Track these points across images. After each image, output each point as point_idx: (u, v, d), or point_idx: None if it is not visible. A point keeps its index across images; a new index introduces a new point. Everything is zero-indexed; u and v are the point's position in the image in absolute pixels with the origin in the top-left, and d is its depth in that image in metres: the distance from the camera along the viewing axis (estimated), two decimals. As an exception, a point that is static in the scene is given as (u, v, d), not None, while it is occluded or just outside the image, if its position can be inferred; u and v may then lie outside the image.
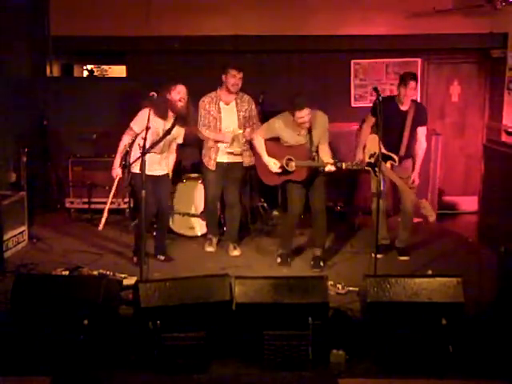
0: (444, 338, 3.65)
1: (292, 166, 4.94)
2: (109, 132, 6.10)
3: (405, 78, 5.13)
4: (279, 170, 4.98)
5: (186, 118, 5.00)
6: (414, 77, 5.16)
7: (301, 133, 4.94)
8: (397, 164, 5.17)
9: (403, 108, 5.18)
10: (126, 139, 5.00)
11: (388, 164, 5.14)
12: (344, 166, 4.76)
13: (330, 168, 4.79)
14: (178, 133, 5.09)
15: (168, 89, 4.92)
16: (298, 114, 4.77)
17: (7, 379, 3.50)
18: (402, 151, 5.20)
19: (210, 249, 5.59)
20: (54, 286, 3.84)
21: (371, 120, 5.30)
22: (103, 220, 4.92)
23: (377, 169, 4.90)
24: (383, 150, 5.06)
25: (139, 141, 4.72)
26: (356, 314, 4.02)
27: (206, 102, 5.31)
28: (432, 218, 4.83)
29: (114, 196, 5.05)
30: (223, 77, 5.25)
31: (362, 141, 5.38)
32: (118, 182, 5.01)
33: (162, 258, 5.30)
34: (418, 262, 5.18)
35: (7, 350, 3.67)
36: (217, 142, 5.32)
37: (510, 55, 6.84)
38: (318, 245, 5.18)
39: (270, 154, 5.01)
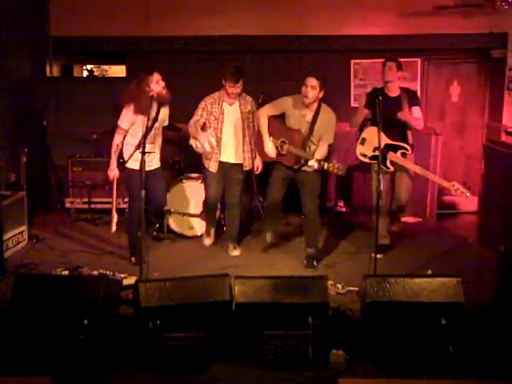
0: (444, 338, 3.65)
1: (284, 148, 5.00)
2: (109, 132, 6.09)
3: (383, 62, 5.16)
4: (274, 155, 5.03)
5: (169, 101, 5.01)
6: (391, 59, 5.13)
7: (306, 116, 4.95)
8: (410, 152, 5.12)
9: (393, 94, 5.14)
10: (117, 139, 4.99)
11: (398, 153, 5.11)
12: (325, 167, 4.74)
13: (312, 163, 4.77)
14: (164, 115, 5.08)
15: (145, 81, 4.85)
16: (306, 79, 4.84)
17: (7, 379, 3.49)
18: (410, 139, 5.19)
19: (207, 241, 5.59)
20: (54, 285, 3.84)
21: (364, 112, 5.23)
22: (114, 221, 4.97)
23: (387, 161, 5.01)
24: (389, 141, 5.07)
25: (129, 139, 4.90)
26: (356, 314, 4.02)
27: (207, 102, 5.28)
28: (468, 195, 4.86)
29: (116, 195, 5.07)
30: (223, 81, 5.21)
31: (357, 121, 5.32)
32: (117, 181, 5.02)
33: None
34: (418, 261, 5.18)
35: (7, 349, 3.66)
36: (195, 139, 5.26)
37: (510, 55, 6.84)
38: (311, 245, 5.17)
39: (269, 131, 5.07)
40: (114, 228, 5.01)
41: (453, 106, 7.36)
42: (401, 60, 5.22)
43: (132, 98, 4.86)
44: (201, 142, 5.17)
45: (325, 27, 6.80)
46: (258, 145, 5.23)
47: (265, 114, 5.11)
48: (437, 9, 6.70)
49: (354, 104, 7.10)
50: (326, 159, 4.87)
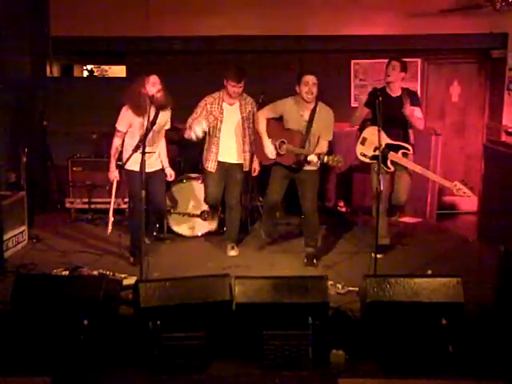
0: (444, 338, 3.65)
1: (283, 149, 5.01)
2: (109, 132, 6.09)
3: (388, 61, 5.16)
4: (274, 156, 5.03)
5: (166, 105, 5.00)
6: (396, 59, 5.13)
7: (304, 115, 4.97)
8: (411, 152, 5.12)
9: (395, 94, 5.14)
10: (116, 142, 5.05)
11: (399, 153, 5.10)
12: (325, 160, 4.74)
13: (312, 158, 4.79)
14: (165, 119, 5.09)
15: (142, 83, 4.88)
16: (306, 78, 4.88)
17: (7, 379, 3.50)
18: (412, 138, 5.19)
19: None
20: (54, 285, 3.83)
21: (364, 110, 5.26)
22: (110, 222, 5.08)
23: (388, 161, 5.01)
24: (390, 141, 5.07)
25: (128, 141, 4.96)
26: (356, 314, 4.02)
27: (208, 102, 5.29)
28: (471, 196, 4.89)
29: (115, 197, 5.20)
30: (224, 81, 5.21)
31: (357, 119, 5.33)
32: (117, 184, 5.07)
33: (148, 241, 5.29)
34: (418, 262, 5.18)
35: (7, 350, 3.67)
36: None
37: (510, 55, 6.84)
38: (310, 244, 5.20)
39: (268, 132, 5.09)
40: (109, 229, 5.12)
41: (453, 106, 7.36)
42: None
43: (128, 97, 4.90)
44: (193, 127, 5.17)
45: (325, 27, 6.80)
46: (256, 147, 5.24)
47: (263, 116, 5.13)
48: (437, 9, 6.69)
49: (354, 104, 7.10)
50: (326, 154, 4.86)
